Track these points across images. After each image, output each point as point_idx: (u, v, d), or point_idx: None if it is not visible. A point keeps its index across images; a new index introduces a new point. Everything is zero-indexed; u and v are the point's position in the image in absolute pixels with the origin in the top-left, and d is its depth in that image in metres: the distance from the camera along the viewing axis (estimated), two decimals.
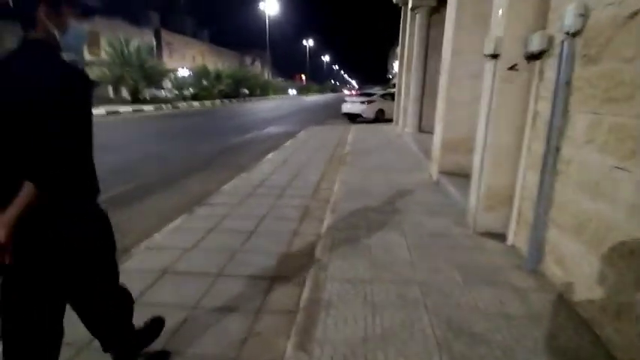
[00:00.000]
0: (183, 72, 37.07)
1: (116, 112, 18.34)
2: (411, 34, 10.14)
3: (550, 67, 2.67)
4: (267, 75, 60.57)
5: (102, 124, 13.86)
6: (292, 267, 2.86)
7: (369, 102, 15.84)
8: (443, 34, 9.89)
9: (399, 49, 13.46)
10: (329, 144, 9.35)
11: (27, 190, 1.13)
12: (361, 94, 17.75)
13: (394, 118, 13.18)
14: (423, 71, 9.85)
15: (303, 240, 3.37)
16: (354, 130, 12.02)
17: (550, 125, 2.47)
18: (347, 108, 16.42)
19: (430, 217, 3.80)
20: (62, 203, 1.25)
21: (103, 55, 24.80)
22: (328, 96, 62.67)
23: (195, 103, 27.78)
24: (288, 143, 9.49)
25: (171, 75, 30.82)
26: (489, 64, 3.21)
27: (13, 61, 1.22)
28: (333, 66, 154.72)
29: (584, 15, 2.25)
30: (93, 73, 22.17)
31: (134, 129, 13.48)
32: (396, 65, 41.90)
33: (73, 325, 1.49)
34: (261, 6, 49.51)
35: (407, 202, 4.33)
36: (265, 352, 1.95)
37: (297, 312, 2.23)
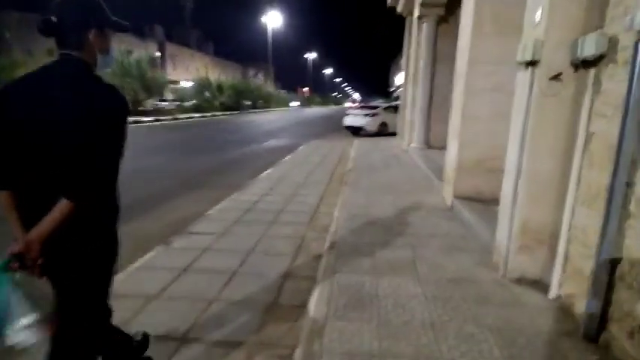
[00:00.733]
0: (187, 84, 36.94)
1: None
2: (418, 45, 9.64)
3: (611, 76, 2.08)
4: (269, 87, 60.64)
5: None
6: (278, 331, 2.24)
7: (372, 115, 15.30)
8: (451, 45, 9.40)
9: (403, 61, 12.98)
10: (330, 160, 8.78)
11: (63, 206, 1.16)
12: (364, 107, 17.25)
13: (399, 133, 12.63)
14: (430, 84, 9.32)
15: (295, 286, 2.75)
16: (357, 145, 11.46)
17: (618, 153, 1.88)
18: (349, 121, 15.89)
19: (448, 255, 3.18)
20: (90, 220, 1.27)
21: None
22: (331, 109, 62.48)
23: (196, 115, 27.39)
24: (287, 158, 8.92)
25: (172, 86, 30.59)
26: (524, 74, 2.63)
27: (55, 78, 1.23)
28: (336, 79, 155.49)
29: None
30: None
31: (128, 141, 12.93)
32: (397, 78, 41.63)
33: None
34: (264, 19, 49.71)
35: (419, 233, 3.71)
36: None
37: None
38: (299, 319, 2.31)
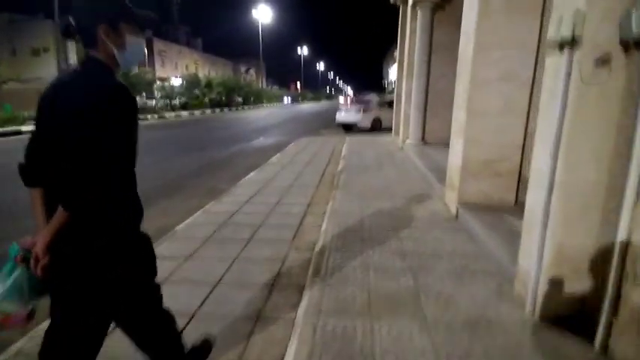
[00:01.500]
0: (176, 81, 36.00)
1: None
2: (412, 34, 9.03)
3: None
4: (261, 83, 59.63)
5: None
6: None
7: (365, 110, 14.70)
8: (448, 33, 8.80)
9: (397, 53, 12.36)
10: (320, 159, 8.17)
11: (58, 213, 1.15)
12: (356, 102, 16.64)
13: (393, 128, 12.03)
14: (426, 76, 8.72)
15: (267, 336, 2.15)
16: (350, 142, 10.86)
17: None
18: (341, 117, 15.27)
19: (459, 282, 2.60)
20: (104, 225, 1.23)
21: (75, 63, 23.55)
22: (323, 104, 61.71)
23: (184, 113, 26.57)
24: (274, 158, 8.30)
25: (160, 84, 29.71)
26: (558, 58, 2.03)
27: (71, 82, 1.24)
28: (328, 73, 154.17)
29: None
30: None
31: None
32: (391, 71, 41.00)
33: None
34: (255, 14, 48.69)
35: (421, 252, 3.13)
36: None
37: None
38: None
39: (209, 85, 33.77)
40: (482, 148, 3.81)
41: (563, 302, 2.12)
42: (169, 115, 24.87)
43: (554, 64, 2.08)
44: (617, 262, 1.84)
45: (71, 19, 1.25)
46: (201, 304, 2.44)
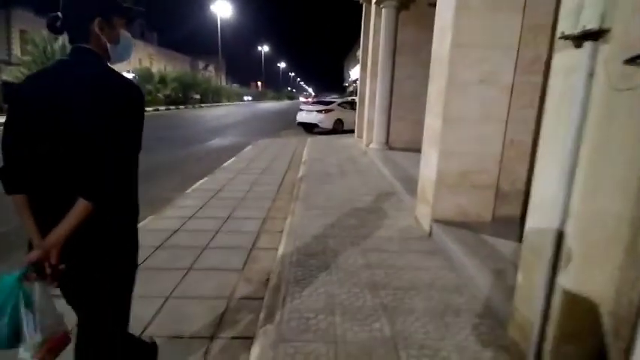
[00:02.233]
0: (128, 75, 33.77)
1: None
2: (376, 34, 8.66)
3: None
4: (221, 81, 57.73)
5: None
6: None
7: (327, 111, 14.25)
8: (414, 33, 8.47)
9: (360, 53, 12.01)
10: (279, 164, 7.58)
11: (80, 207, 1.10)
12: (318, 102, 16.16)
13: (356, 131, 11.66)
14: (390, 77, 8.38)
15: None
16: (311, 144, 10.35)
17: None
18: (302, 117, 14.72)
19: (444, 328, 2.14)
20: (110, 220, 1.20)
21: (21, 55, 21.37)
22: (284, 103, 60.94)
23: None
24: (229, 162, 7.61)
25: None
26: (576, 55, 1.60)
27: (67, 71, 1.17)
28: (290, 73, 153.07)
29: None
30: (10, 74, 18.94)
31: None
32: (352, 72, 41.03)
33: None
34: (213, 8, 46.98)
35: (396, 284, 2.65)
36: None
37: None
38: None
39: (163, 80, 32.00)
40: (459, 158, 3.42)
41: None
42: None
43: (569, 63, 1.65)
44: None
45: (59, 15, 1.20)
46: None
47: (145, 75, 31.15)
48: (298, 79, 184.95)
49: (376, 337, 2.04)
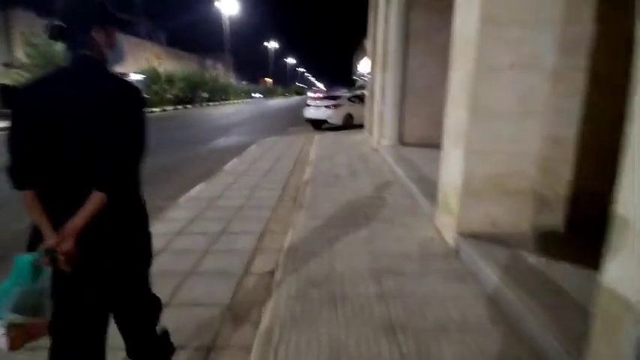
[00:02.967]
0: (137, 76, 33.58)
1: None
2: (386, 22, 8.03)
3: None
4: (230, 78, 57.39)
5: None
6: None
7: (336, 106, 13.64)
8: (426, 19, 7.84)
9: (368, 44, 11.37)
10: (284, 165, 7.06)
11: (95, 198, 1.19)
12: (326, 97, 15.56)
13: (366, 126, 11.07)
14: (402, 68, 7.75)
15: None
16: (319, 141, 9.80)
17: None
18: (310, 113, 14.14)
19: None
20: (121, 213, 1.29)
21: (23, 58, 20.94)
22: (293, 99, 60.39)
23: None
24: (230, 165, 7.12)
25: None
26: None
27: (73, 78, 1.26)
28: (298, 69, 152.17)
29: None
30: (8, 77, 18.66)
31: None
32: (361, 65, 40.13)
33: None
34: (220, 6, 46.56)
35: (419, 323, 2.10)
36: None
37: None
38: None
39: (170, 80, 31.74)
40: (490, 159, 2.84)
41: None
42: None
43: None
44: None
45: (60, 24, 1.27)
46: None
47: (152, 75, 30.90)
48: (307, 74, 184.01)
49: None
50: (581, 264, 2.45)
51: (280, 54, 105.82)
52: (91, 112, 1.19)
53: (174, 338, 1.74)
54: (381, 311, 2.21)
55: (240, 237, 3.51)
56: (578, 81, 2.86)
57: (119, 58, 1.41)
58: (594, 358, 1.39)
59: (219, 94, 42.50)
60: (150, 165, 7.53)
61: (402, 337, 1.98)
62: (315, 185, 5.18)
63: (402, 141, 8.03)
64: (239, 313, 2.32)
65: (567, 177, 3.05)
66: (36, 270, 1.17)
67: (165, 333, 1.69)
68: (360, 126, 12.63)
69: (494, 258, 2.58)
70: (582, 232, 2.90)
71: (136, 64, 43.28)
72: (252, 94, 61.70)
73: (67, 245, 1.17)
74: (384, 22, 8.19)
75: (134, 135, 1.27)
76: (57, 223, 1.20)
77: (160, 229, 3.70)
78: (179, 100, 31.85)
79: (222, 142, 11.17)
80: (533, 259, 2.57)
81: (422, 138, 8.09)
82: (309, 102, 14.71)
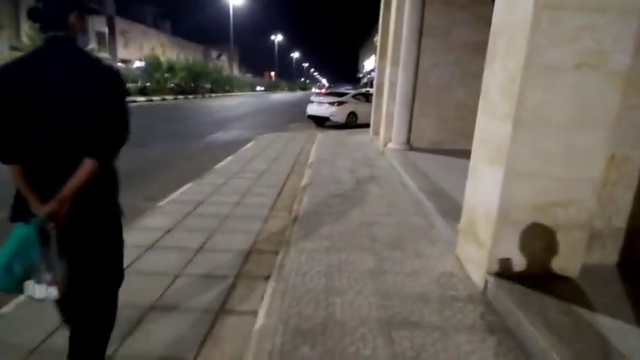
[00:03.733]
0: (141, 64, 32.87)
1: None
2: (399, 14, 7.40)
3: None
4: (233, 70, 56.57)
5: None
6: None
7: (340, 103, 13.01)
8: (443, 13, 7.20)
9: (377, 39, 10.74)
10: (282, 166, 6.46)
11: (87, 165, 1.31)
12: (330, 94, 14.92)
13: (372, 127, 10.45)
14: (414, 65, 7.12)
15: None
16: (320, 141, 9.19)
17: None
18: (313, 110, 13.51)
19: None
20: (100, 182, 1.39)
21: (27, 41, 20.53)
22: (297, 94, 59.60)
23: (141, 99, 23.94)
24: (223, 163, 6.52)
25: (122, 66, 26.86)
26: None
27: (53, 54, 1.33)
28: (304, 64, 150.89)
29: None
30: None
31: None
32: (367, 63, 39.38)
33: None
34: None
35: None
36: None
37: None
38: None
39: (171, 69, 31.06)
40: (536, 182, 2.23)
41: None
42: None
43: None
44: None
45: (40, 6, 1.35)
46: None
47: (154, 63, 30.23)
48: (312, 70, 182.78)
49: None
50: None
51: (286, 48, 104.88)
52: (69, 91, 1.28)
53: None
54: None
55: (222, 257, 2.92)
56: None
57: (87, 43, 1.48)
58: None
59: (223, 85, 41.78)
60: (137, 160, 6.83)
61: None
62: (313, 194, 4.58)
63: (410, 144, 7.42)
64: None
65: (626, 206, 2.46)
66: (42, 233, 1.25)
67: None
68: (365, 125, 12.02)
69: (539, 311, 1.99)
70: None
71: (141, 51, 42.56)
72: (256, 88, 60.95)
73: (65, 208, 1.30)
74: (396, 15, 7.56)
75: (118, 109, 1.38)
76: (43, 196, 1.30)
77: (130, 241, 3.08)
78: (181, 90, 31.20)
79: (221, 136, 10.56)
80: (588, 315, 1.98)
81: (432, 142, 7.49)
82: (312, 98, 14.10)
